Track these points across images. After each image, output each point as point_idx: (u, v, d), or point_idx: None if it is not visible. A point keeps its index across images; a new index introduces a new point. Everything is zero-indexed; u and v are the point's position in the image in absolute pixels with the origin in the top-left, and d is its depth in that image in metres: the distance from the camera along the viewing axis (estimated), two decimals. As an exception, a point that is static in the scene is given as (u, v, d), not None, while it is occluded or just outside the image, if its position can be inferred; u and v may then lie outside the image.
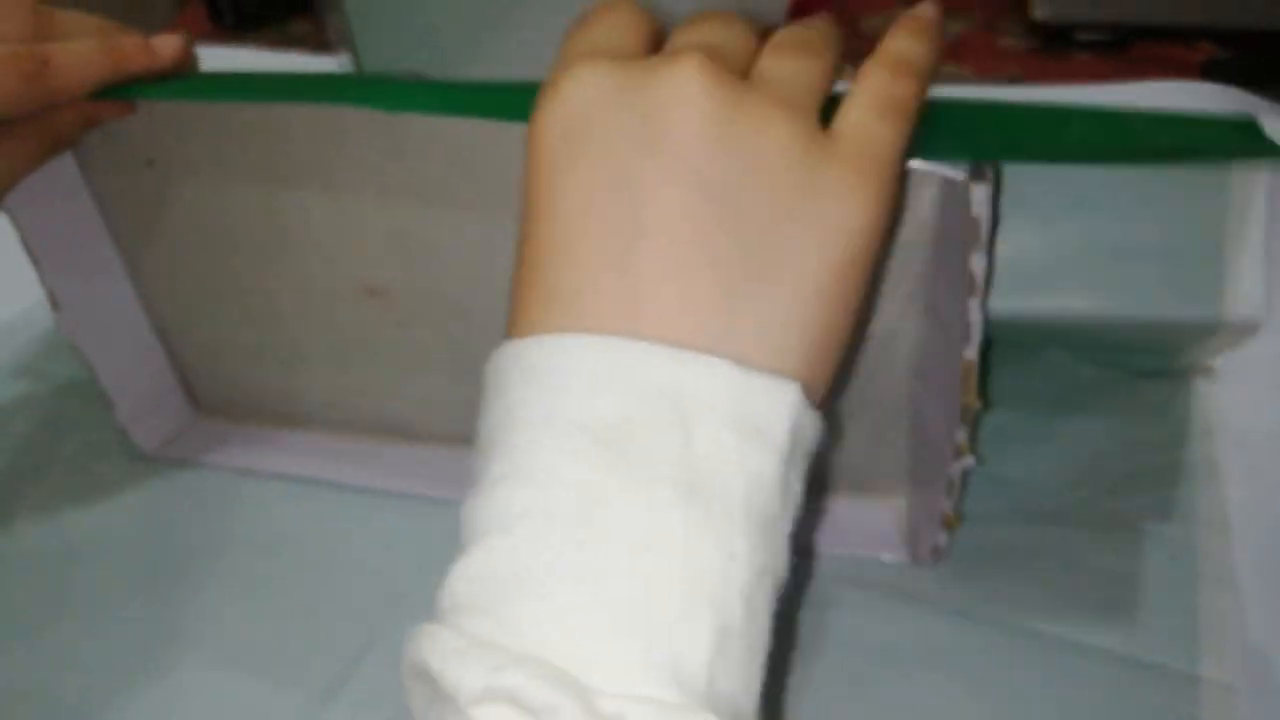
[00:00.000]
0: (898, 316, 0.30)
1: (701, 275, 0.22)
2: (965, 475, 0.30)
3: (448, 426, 0.38)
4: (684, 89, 0.22)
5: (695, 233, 0.22)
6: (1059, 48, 0.55)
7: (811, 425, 0.22)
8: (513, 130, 0.29)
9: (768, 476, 0.21)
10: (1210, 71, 0.51)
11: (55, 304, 0.37)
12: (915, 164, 0.25)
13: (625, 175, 0.22)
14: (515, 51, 0.52)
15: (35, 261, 0.36)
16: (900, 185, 0.24)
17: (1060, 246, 0.32)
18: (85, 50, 0.30)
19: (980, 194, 0.26)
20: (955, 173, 0.26)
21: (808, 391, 0.22)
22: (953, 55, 0.55)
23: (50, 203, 0.36)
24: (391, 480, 0.38)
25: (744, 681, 0.20)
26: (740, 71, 0.24)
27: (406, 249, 0.34)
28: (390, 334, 0.36)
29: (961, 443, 0.29)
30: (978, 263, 0.26)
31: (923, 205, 0.28)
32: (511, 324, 0.23)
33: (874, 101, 0.24)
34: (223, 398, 0.42)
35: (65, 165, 0.36)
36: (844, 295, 0.23)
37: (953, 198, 0.27)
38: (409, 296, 0.35)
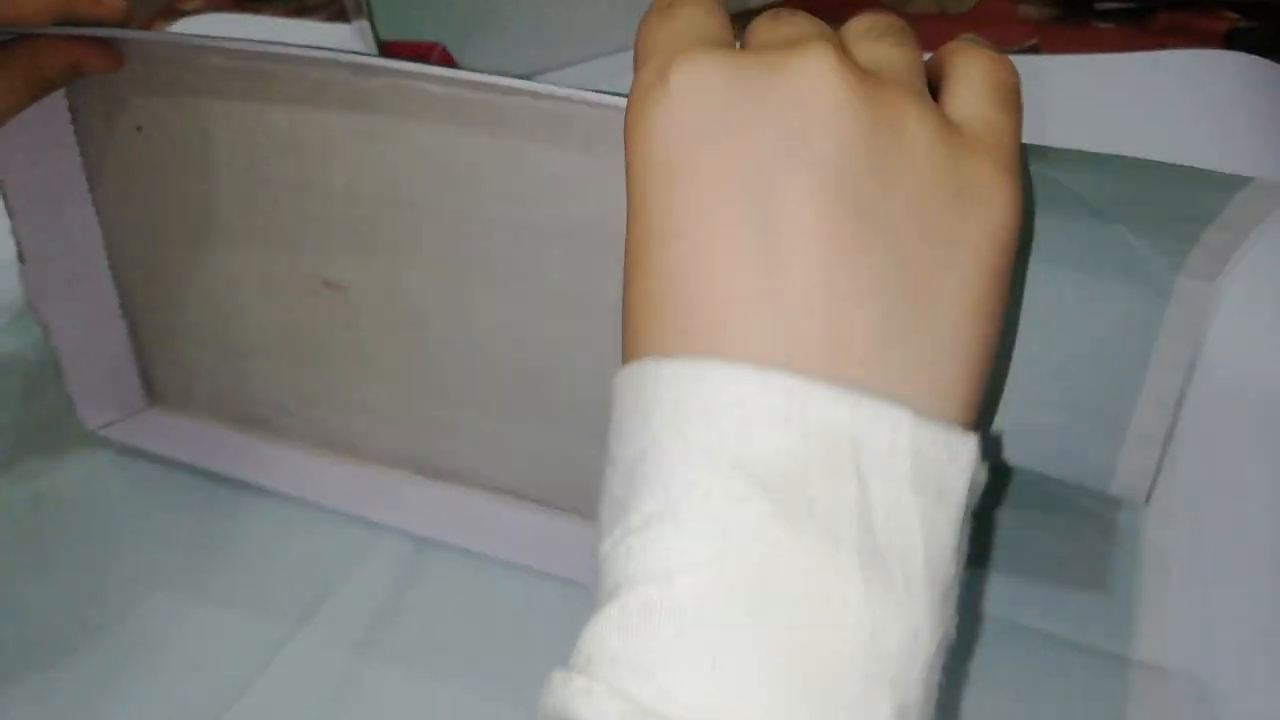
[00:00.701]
0: None
1: (855, 302, 0.19)
2: None
3: (391, 445, 0.37)
4: (820, 86, 0.20)
5: (845, 254, 0.19)
6: (1080, 17, 0.54)
7: (982, 477, 0.20)
8: (479, 139, 0.29)
9: (948, 541, 0.19)
10: (1234, 40, 0.51)
11: (22, 257, 0.36)
12: None
13: (760, 188, 0.20)
14: (529, 19, 0.52)
15: (9, 210, 0.35)
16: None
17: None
18: None
19: None
20: None
21: (972, 412, 0.20)
22: (971, 24, 0.55)
23: (36, 153, 0.35)
24: (329, 496, 0.37)
25: None
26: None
27: (366, 242, 0.33)
28: (341, 334, 0.35)
29: None
30: None
31: None
32: (635, 346, 0.20)
33: (988, 89, 0.22)
34: (177, 387, 0.41)
35: (59, 118, 0.35)
36: (997, 309, 0.21)
37: None
38: (361, 295, 0.34)
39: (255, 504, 0.38)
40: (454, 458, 0.37)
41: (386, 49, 0.50)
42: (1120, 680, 0.30)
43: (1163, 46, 0.51)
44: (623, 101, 0.22)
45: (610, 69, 0.54)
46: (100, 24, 0.32)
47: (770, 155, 0.20)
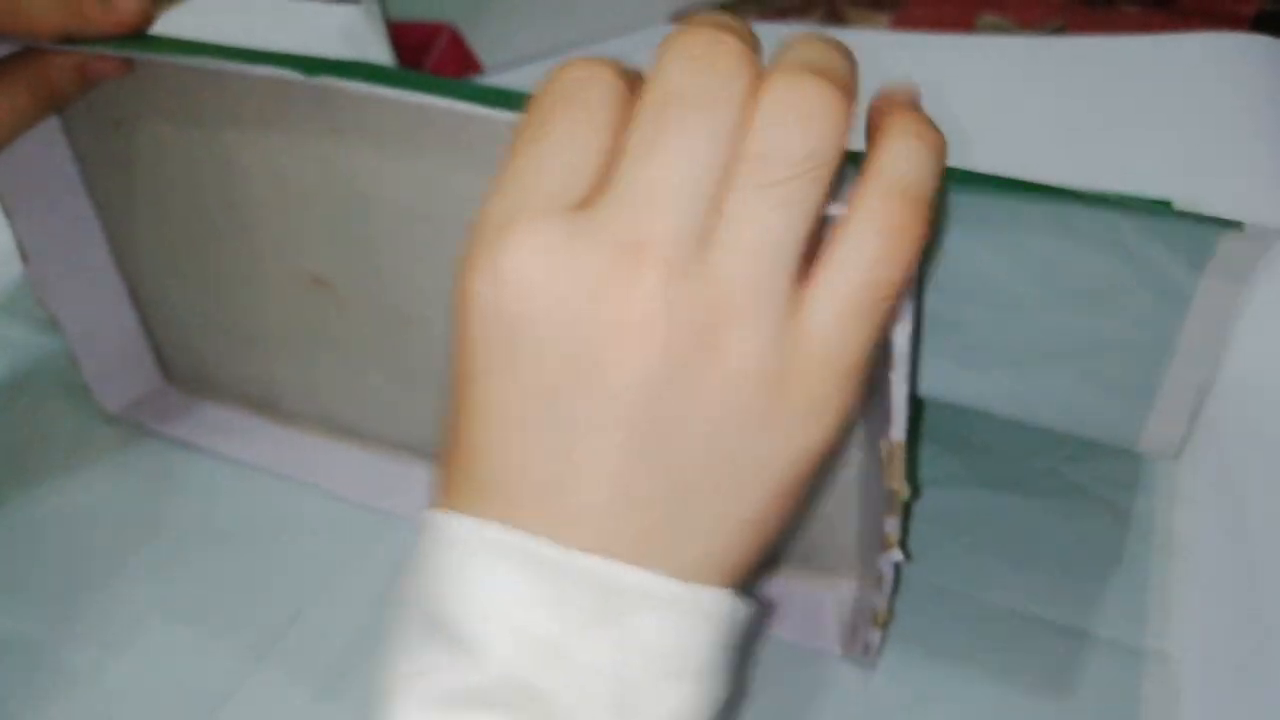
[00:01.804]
0: None
1: (631, 516, 0.20)
2: (898, 570, 0.27)
3: (392, 432, 0.37)
4: (632, 320, 0.19)
5: (626, 476, 0.20)
6: (1104, -2, 0.53)
7: (743, 617, 0.21)
8: (440, 140, 0.28)
9: (689, 698, 0.20)
10: (1260, 24, 0.50)
11: (25, 256, 0.36)
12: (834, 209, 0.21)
13: (557, 404, 0.19)
14: (549, 1, 0.51)
15: (7, 211, 0.35)
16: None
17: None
18: None
19: None
20: None
21: (738, 584, 0.21)
22: (994, 4, 0.54)
23: (28, 154, 0.35)
24: (335, 482, 0.37)
25: None
26: (706, 221, 0.19)
27: (345, 241, 0.33)
28: (334, 327, 0.35)
29: (889, 535, 0.26)
30: (899, 334, 0.22)
31: None
32: (444, 483, 0.21)
33: (854, 295, 0.19)
34: (190, 369, 0.41)
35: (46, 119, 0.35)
36: (785, 511, 0.21)
37: None
38: (349, 290, 0.34)
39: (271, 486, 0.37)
40: None
41: (395, 30, 0.49)
42: (1133, 670, 0.30)
43: (1189, 29, 0.50)
44: None
45: (620, 49, 0.53)
46: (112, 36, 0.31)
47: (577, 375, 0.19)
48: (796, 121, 0.19)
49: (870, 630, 0.29)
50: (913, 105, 0.21)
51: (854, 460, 0.28)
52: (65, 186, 0.37)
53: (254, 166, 0.33)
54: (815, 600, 0.32)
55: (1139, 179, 0.41)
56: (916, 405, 0.25)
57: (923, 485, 0.34)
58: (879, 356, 0.23)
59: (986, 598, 0.32)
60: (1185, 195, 0.41)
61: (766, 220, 0.19)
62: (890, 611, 0.29)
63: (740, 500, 0.20)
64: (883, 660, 0.30)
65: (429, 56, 0.51)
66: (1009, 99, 0.48)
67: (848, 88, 0.20)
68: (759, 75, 0.19)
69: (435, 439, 0.35)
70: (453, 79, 0.26)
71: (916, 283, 0.22)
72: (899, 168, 0.20)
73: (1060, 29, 0.51)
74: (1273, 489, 0.33)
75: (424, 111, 0.26)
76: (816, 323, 0.19)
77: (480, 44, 0.51)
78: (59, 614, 0.33)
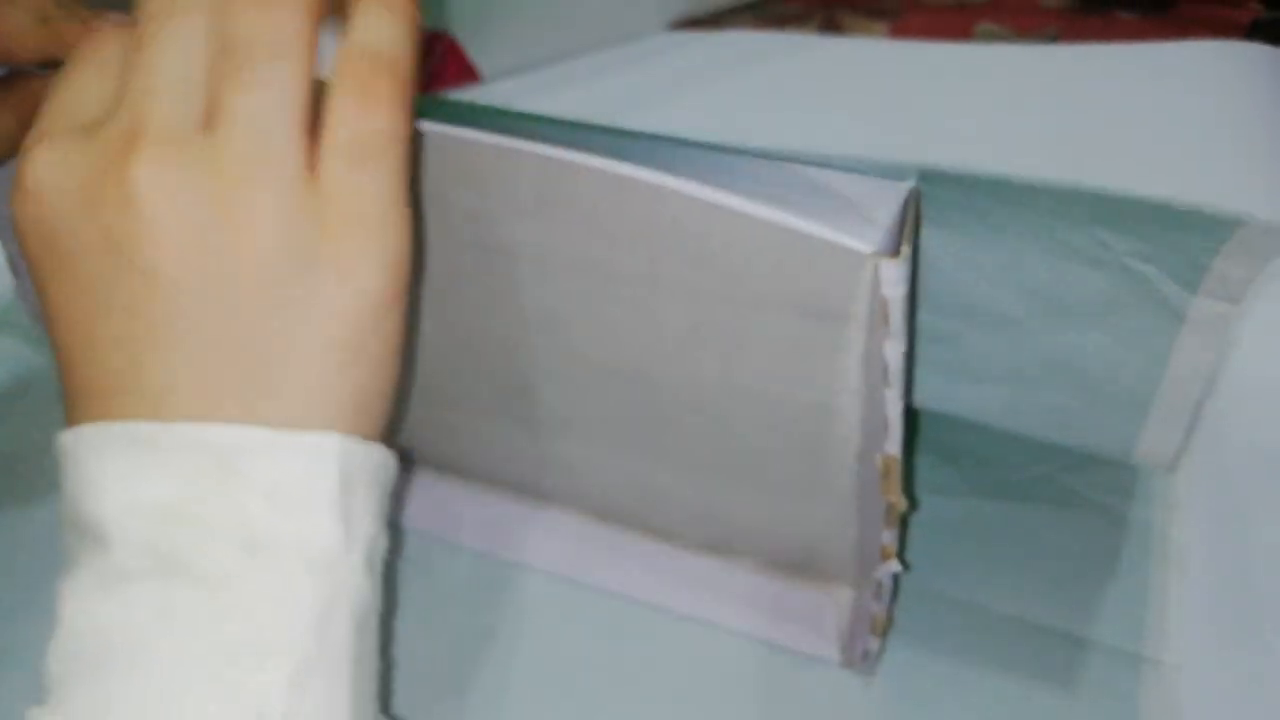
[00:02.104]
0: (831, 392, 0.26)
1: (214, 373, 0.21)
2: (896, 579, 0.28)
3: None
4: (145, 199, 0.21)
5: (191, 338, 0.21)
6: (1102, 6, 0.53)
7: (368, 458, 0.23)
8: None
9: (323, 527, 0.22)
10: (1256, 31, 0.50)
11: (15, 270, 0.36)
12: (814, 229, 0.22)
13: (105, 290, 0.21)
14: (539, 8, 0.51)
15: None
16: (410, 225, 0.23)
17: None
18: (20, 17, 0.30)
19: (892, 272, 0.22)
20: (861, 244, 0.22)
21: (361, 432, 0.23)
22: (991, 13, 0.54)
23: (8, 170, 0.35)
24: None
25: (329, 706, 0.21)
26: (204, 109, 0.22)
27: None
28: None
29: (887, 546, 0.26)
30: (892, 350, 0.23)
31: (838, 279, 0.24)
32: (67, 413, 0.23)
33: (349, 145, 0.22)
34: None
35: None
36: (374, 351, 0.23)
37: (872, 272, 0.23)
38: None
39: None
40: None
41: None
42: (1132, 676, 0.30)
43: (1184, 37, 0.50)
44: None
45: (618, 57, 0.53)
46: None
47: (111, 264, 0.21)
48: (260, 9, 0.22)
49: (869, 638, 0.29)
50: None
51: (849, 469, 0.28)
52: None
53: None
54: (814, 607, 0.32)
55: (1134, 186, 0.41)
56: (911, 416, 0.25)
57: (920, 494, 0.34)
58: (878, 373, 0.24)
59: (985, 604, 0.32)
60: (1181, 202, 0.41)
61: (253, 98, 0.21)
62: (889, 619, 0.29)
63: (316, 342, 0.22)
64: (882, 666, 0.30)
65: (428, 64, 0.51)
66: (1006, 107, 0.48)
67: None
68: None
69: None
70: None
71: (909, 299, 0.23)
72: (369, 34, 0.22)
73: (1055, 36, 0.52)
74: (1269, 498, 0.33)
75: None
76: (327, 178, 0.22)
77: (479, 52, 0.52)
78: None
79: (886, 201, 0.24)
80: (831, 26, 0.55)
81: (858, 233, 0.23)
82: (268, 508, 0.21)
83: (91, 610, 0.21)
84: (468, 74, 0.52)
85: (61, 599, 0.22)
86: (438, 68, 0.51)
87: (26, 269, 0.23)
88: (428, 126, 0.25)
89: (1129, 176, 0.42)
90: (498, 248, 0.27)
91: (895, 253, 0.22)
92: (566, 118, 0.27)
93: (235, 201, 0.21)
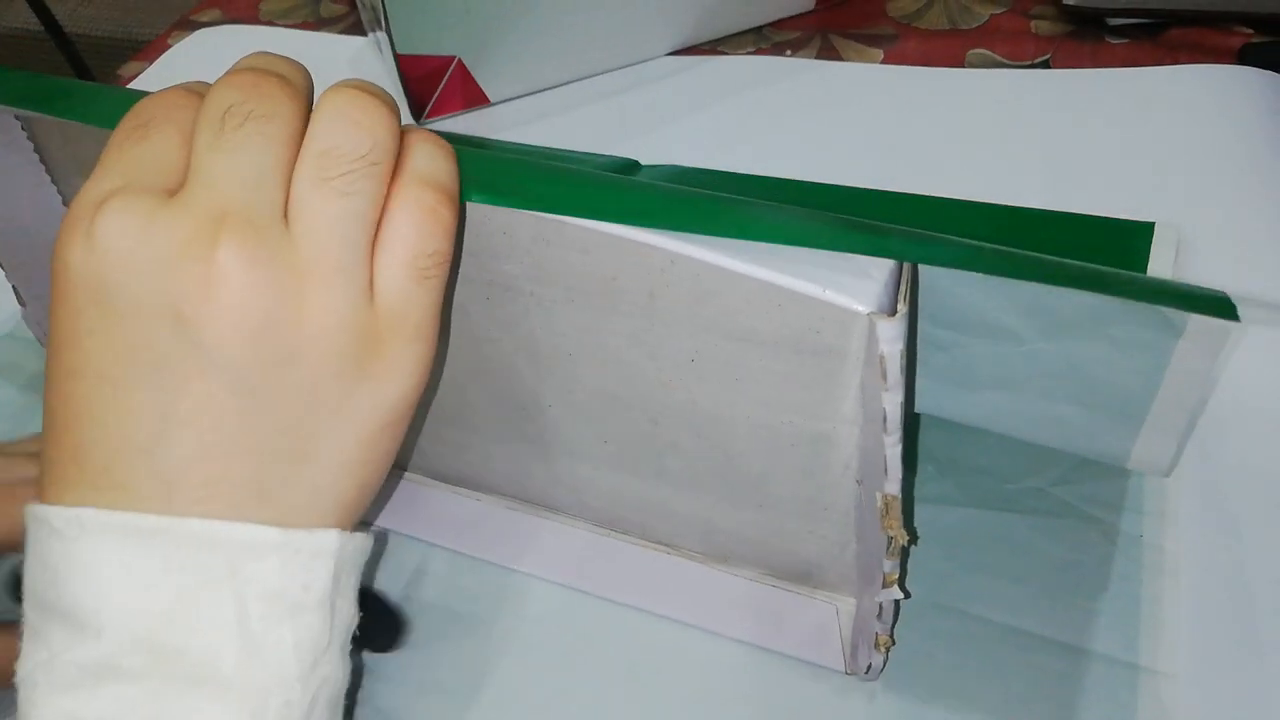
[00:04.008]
0: (828, 422, 0.27)
1: (233, 463, 0.22)
2: (897, 604, 0.28)
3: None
4: (218, 281, 0.21)
5: (226, 424, 0.21)
6: (1093, 32, 0.54)
7: (355, 549, 0.24)
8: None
9: (313, 625, 0.22)
10: (1247, 56, 0.51)
11: (21, 300, 0.37)
12: (811, 290, 0.23)
13: (155, 359, 0.21)
14: (547, 33, 0.52)
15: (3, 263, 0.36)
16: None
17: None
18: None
19: (889, 330, 0.22)
20: (860, 305, 0.23)
21: (353, 522, 0.24)
22: (984, 39, 0.55)
23: (14, 200, 0.35)
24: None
25: None
26: (277, 213, 0.22)
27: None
28: None
29: (889, 574, 0.27)
30: (890, 401, 0.23)
31: (832, 332, 0.24)
32: (43, 477, 0.22)
33: (412, 263, 0.23)
34: None
35: (30, 163, 0.35)
36: (385, 451, 0.24)
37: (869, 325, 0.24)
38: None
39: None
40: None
41: (404, 62, 0.50)
42: (1129, 686, 0.30)
43: (1175, 62, 0.51)
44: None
45: (622, 82, 0.54)
46: None
47: (169, 332, 0.21)
48: (349, 125, 0.22)
49: (873, 652, 0.30)
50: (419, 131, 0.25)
51: (848, 492, 0.29)
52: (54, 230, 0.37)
53: None
54: (819, 617, 0.33)
55: (1126, 210, 0.42)
56: (913, 420, 0.26)
57: (916, 504, 0.35)
58: (876, 407, 0.24)
59: (982, 613, 0.32)
60: (1173, 225, 0.42)
61: (331, 206, 0.22)
62: (891, 639, 0.29)
63: (340, 446, 0.23)
64: (883, 674, 0.31)
65: (436, 89, 0.52)
66: (998, 131, 0.49)
67: (390, 104, 0.23)
68: (300, 96, 0.23)
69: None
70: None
71: (909, 318, 0.23)
72: (427, 165, 0.24)
73: (1047, 63, 0.53)
74: (1263, 508, 0.34)
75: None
76: (383, 289, 0.23)
77: (486, 77, 0.53)
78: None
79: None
80: (829, 52, 0.56)
81: (854, 289, 0.23)
82: (267, 610, 0.21)
83: (73, 704, 0.21)
84: (476, 98, 0.53)
85: (28, 685, 0.21)
86: (446, 92, 0.52)
87: (54, 310, 0.22)
88: None
89: (1121, 199, 0.43)
90: (498, 282, 0.28)
91: (893, 312, 0.23)
92: (565, 152, 0.28)
93: (305, 301, 0.22)
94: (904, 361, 0.23)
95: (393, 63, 0.50)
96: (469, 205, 0.26)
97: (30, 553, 0.22)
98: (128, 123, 0.23)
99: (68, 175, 0.36)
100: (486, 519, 0.36)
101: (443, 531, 0.36)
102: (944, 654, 0.32)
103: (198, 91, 0.23)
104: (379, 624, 0.33)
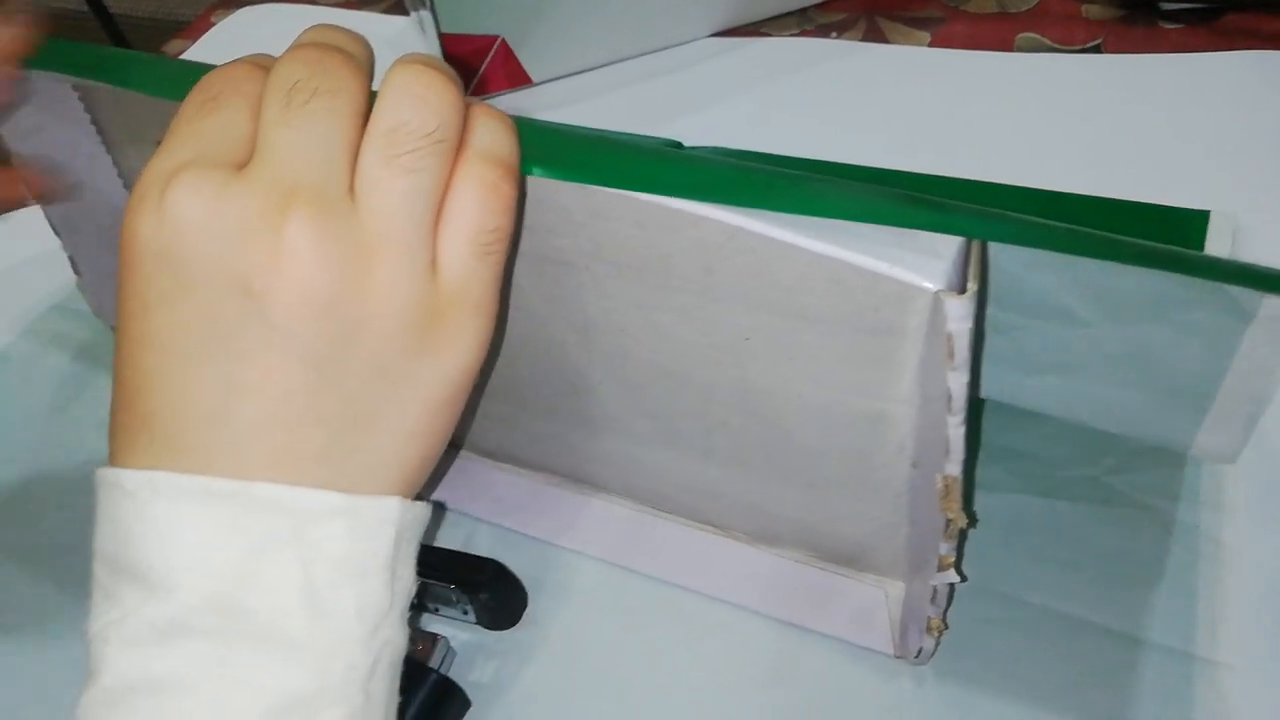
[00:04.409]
0: (884, 401, 0.27)
1: (299, 432, 0.22)
2: (951, 589, 0.28)
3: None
4: (289, 256, 0.21)
5: (294, 394, 0.22)
6: (1146, 17, 0.53)
7: (415, 517, 0.24)
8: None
9: (376, 590, 0.23)
10: (1303, 43, 0.50)
11: (76, 270, 0.37)
12: (879, 266, 0.23)
13: (225, 330, 0.21)
14: (591, 11, 0.52)
15: (55, 229, 0.36)
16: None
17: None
18: None
19: (958, 309, 0.22)
20: (929, 282, 0.23)
21: (414, 491, 0.24)
22: (1034, 23, 0.54)
23: (72, 171, 0.36)
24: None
25: None
26: (349, 178, 0.22)
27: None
28: None
29: (945, 557, 0.27)
30: (955, 380, 0.23)
31: (893, 310, 0.24)
32: (112, 442, 0.23)
33: (475, 239, 0.23)
34: None
35: (87, 134, 0.35)
36: (446, 423, 0.24)
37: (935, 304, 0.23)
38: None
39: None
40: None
41: (447, 41, 0.50)
42: (1185, 676, 0.30)
43: (1231, 48, 0.50)
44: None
45: (664, 63, 0.54)
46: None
47: (239, 304, 0.21)
48: (416, 102, 0.22)
49: (924, 636, 0.29)
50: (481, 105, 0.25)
51: (902, 474, 0.29)
52: (110, 203, 0.37)
53: None
54: (866, 600, 0.32)
55: (1180, 198, 0.41)
56: (977, 405, 0.25)
57: (971, 490, 0.35)
58: (935, 386, 0.24)
59: (1037, 600, 0.32)
60: (1229, 214, 0.41)
61: (399, 183, 0.22)
62: (944, 623, 0.29)
63: (403, 416, 0.23)
64: (933, 659, 0.31)
65: (480, 68, 0.52)
66: (1047, 117, 0.48)
67: (456, 80, 0.23)
68: (364, 71, 0.23)
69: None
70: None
71: (979, 297, 0.23)
72: (490, 141, 0.24)
73: (1099, 47, 0.52)
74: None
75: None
76: (446, 264, 0.23)
77: (529, 57, 0.52)
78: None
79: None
80: (875, 35, 0.55)
81: (921, 266, 0.23)
82: (332, 574, 0.22)
83: (145, 660, 0.21)
84: (519, 77, 0.53)
85: (100, 641, 0.22)
86: (490, 71, 0.52)
87: (122, 280, 0.23)
88: None
89: (1175, 187, 0.43)
90: (552, 258, 0.28)
91: (962, 289, 0.22)
92: (607, 133, 0.27)
93: (372, 276, 0.22)
94: (971, 341, 0.23)
95: (436, 41, 0.50)
96: (526, 180, 0.26)
97: (101, 514, 0.22)
98: (196, 95, 0.23)
99: (123, 145, 0.36)
100: (533, 495, 0.36)
101: (489, 507, 0.36)
102: (994, 640, 0.31)
103: (263, 65, 0.23)
104: (509, 600, 0.33)
